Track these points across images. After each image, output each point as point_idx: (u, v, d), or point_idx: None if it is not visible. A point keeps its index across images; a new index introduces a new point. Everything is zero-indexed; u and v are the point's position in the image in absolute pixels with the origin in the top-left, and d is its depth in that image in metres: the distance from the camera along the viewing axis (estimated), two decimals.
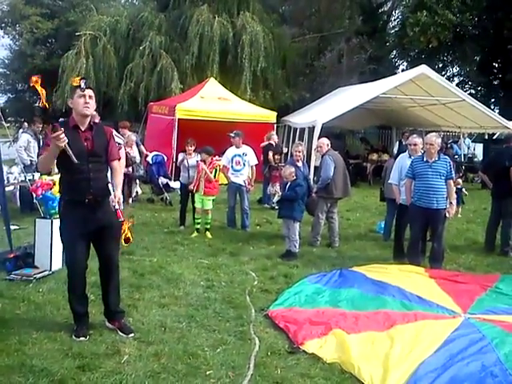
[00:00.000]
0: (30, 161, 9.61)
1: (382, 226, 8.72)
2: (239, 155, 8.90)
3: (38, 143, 9.86)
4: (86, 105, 4.11)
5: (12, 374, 3.65)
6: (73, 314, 4.45)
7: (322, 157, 8.04)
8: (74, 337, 4.27)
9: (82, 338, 4.26)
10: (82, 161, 4.09)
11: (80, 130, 4.16)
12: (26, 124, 10.54)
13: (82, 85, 4.12)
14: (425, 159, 6.61)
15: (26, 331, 4.36)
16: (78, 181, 4.13)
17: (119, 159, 4.43)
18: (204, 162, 8.25)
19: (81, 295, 4.46)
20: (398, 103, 16.67)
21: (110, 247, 4.41)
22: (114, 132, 9.95)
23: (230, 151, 9.00)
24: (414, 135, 7.81)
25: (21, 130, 10.92)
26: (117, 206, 4.09)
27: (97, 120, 9.97)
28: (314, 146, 12.36)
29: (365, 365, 3.98)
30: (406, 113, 17.80)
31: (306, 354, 4.19)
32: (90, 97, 4.13)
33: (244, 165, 8.88)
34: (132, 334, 4.39)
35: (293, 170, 7.29)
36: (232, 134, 9.04)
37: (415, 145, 7.28)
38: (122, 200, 4.24)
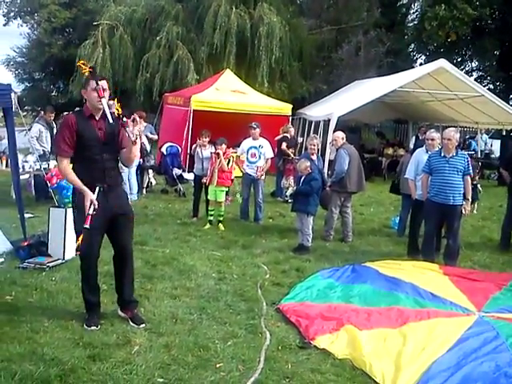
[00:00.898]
0: (43, 150, 9.62)
1: (397, 221, 8.63)
2: (255, 147, 8.84)
3: (51, 132, 9.89)
4: (100, 99, 4.08)
5: (23, 361, 3.66)
6: (85, 303, 4.47)
7: (337, 150, 7.97)
8: (85, 326, 4.29)
9: (93, 328, 4.27)
10: (96, 150, 4.13)
11: (94, 120, 4.18)
12: (42, 113, 10.56)
13: (98, 84, 4.06)
14: (442, 154, 6.51)
15: (37, 319, 4.38)
16: (93, 170, 4.15)
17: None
18: (218, 154, 8.21)
19: (94, 285, 4.47)
20: (415, 97, 16.46)
21: (125, 236, 4.42)
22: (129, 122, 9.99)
23: (246, 143, 8.96)
24: (432, 130, 7.70)
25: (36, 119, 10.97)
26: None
27: (113, 109, 10.04)
28: (329, 140, 12.28)
29: (376, 362, 3.94)
30: (423, 107, 17.58)
31: (317, 350, 4.16)
32: (105, 89, 4.12)
33: (259, 157, 8.81)
34: (143, 325, 4.39)
35: (308, 164, 7.22)
36: (254, 125, 8.98)
37: (432, 140, 7.17)
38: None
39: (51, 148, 9.73)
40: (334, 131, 11.47)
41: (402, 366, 3.88)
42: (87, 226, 3.98)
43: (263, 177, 8.88)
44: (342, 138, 7.99)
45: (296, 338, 4.36)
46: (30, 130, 9.87)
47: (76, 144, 4.12)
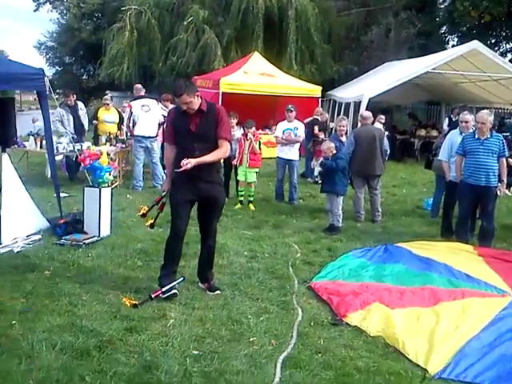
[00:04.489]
0: (67, 133, 9.67)
1: (430, 202, 8.54)
2: (291, 129, 8.87)
3: (75, 114, 9.95)
4: (186, 109, 4.42)
5: (63, 332, 3.78)
6: (162, 281, 4.56)
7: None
8: (164, 295, 4.44)
9: (174, 291, 4.52)
10: (188, 140, 4.44)
11: (189, 114, 4.45)
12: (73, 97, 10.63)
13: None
14: (476, 136, 6.40)
15: (75, 293, 4.51)
16: (185, 158, 4.35)
17: (227, 140, 4.57)
18: (246, 135, 8.24)
19: (177, 257, 4.71)
20: (447, 79, 16.12)
21: (209, 217, 4.71)
22: (160, 105, 10.00)
23: (282, 125, 9.00)
24: (465, 112, 7.57)
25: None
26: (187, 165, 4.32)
27: (142, 93, 10.08)
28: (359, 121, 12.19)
29: (409, 340, 3.92)
30: (455, 88, 17.21)
31: (349, 327, 4.17)
32: (186, 103, 4.37)
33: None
34: (218, 292, 4.68)
35: (332, 145, 7.19)
36: (291, 108, 9.01)
37: (466, 122, 7.03)
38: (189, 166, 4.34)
39: (75, 130, 9.82)
40: None
41: (435, 344, 3.86)
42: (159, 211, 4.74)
43: (297, 157, 8.89)
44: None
45: (328, 315, 4.38)
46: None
47: (174, 134, 4.55)
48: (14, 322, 3.89)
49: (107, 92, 16.19)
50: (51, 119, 9.61)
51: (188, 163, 4.29)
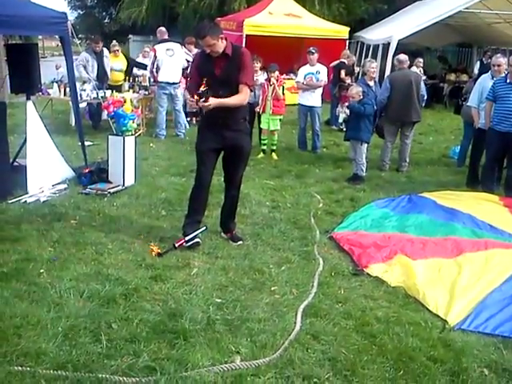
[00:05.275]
0: (89, 79, 9.54)
1: (457, 150, 8.36)
2: (312, 73, 8.59)
3: (100, 61, 9.80)
4: (210, 52, 4.29)
5: (90, 281, 3.88)
6: (186, 230, 4.61)
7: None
8: (188, 242, 4.51)
9: (196, 240, 4.57)
10: (213, 85, 4.25)
11: (213, 58, 4.34)
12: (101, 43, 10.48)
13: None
14: (508, 81, 6.17)
15: (101, 242, 4.61)
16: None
17: (248, 86, 4.40)
18: (270, 80, 8.05)
19: (198, 208, 4.70)
20: (481, 19, 15.38)
21: (234, 167, 4.71)
22: (184, 49, 9.80)
23: (304, 69, 8.73)
24: (498, 55, 7.27)
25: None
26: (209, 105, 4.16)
27: (166, 36, 9.88)
28: (388, 65, 11.85)
29: (430, 291, 3.93)
30: (489, 29, 16.41)
31: (369, 277, 4.20)
32: (209, 45, 4.23)
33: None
34: (241, 242, 4.73)
35: (360, 89, 6.98)
36: (312, 50, 8.69)
37: (499, 65, 6.75)
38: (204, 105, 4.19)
39: (97, 77, 9.67)
40: (393, 56, 11.02)
41: (456, 296, 3.87)
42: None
43: (319, 104, 8.67)
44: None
45: (349, 266, 4.41)
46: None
47: (199, 79, 4.35)
48: (42, 270, 4.01)
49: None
50: (74, 64, 9.59)
51: (208, 104, 4.15)
